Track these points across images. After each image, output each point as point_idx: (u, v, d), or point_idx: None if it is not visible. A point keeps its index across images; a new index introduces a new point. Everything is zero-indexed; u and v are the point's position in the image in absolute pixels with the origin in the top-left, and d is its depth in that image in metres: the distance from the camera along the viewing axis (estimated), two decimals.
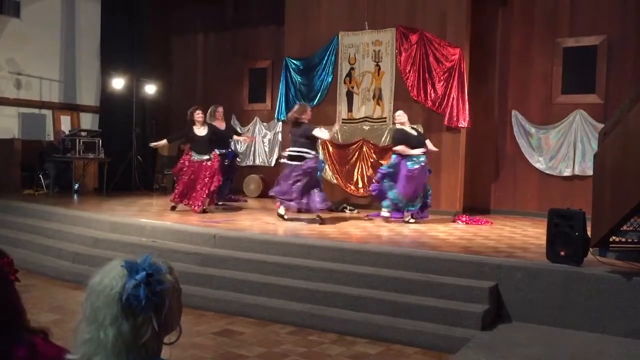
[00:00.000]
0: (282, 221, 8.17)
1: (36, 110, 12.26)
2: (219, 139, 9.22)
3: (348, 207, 9.71)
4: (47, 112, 12.46)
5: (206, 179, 8.66)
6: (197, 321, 5.55)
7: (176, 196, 8.84)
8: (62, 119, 12.63)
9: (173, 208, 8.98)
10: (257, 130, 12.39)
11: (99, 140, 11.40)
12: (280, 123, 11.34)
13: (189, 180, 8.72)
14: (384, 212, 8.33)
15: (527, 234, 7.58)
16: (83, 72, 13.03)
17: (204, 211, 8.74)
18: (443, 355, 4.78)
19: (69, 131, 11.96)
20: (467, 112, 9.18)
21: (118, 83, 11.86)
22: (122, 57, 12.12)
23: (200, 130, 8.88)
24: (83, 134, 11.45)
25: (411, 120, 8.58)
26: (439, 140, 9.40)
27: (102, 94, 12.57)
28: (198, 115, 8.88)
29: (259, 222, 8.20)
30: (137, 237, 7.49)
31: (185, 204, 8.85)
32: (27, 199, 10.29)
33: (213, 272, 6.45)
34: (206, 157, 8.75)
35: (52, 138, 12.10)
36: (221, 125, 9.66)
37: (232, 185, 10.32)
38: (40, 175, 11.47)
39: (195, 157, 8.76)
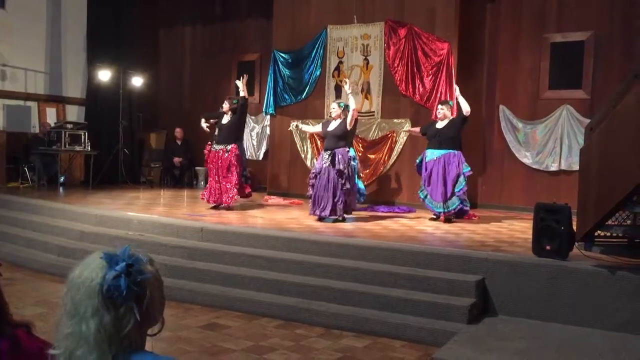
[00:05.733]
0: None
1: (21, 102, 12.12)
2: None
3: None
4: (33, 104, 12.32)
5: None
6: (183, 315, 5.53)
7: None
8: (47, 111, 12.50)
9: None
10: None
11: (85, 133, 11.30)
12: (269, 116, 11.29)
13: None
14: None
15: (514, 228, 7.61)
16: (69, 63, 12.89)
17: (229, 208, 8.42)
18: (429, 348, 4.80)
19: (55, 123, 11.84)
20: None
21: (104, 75, 11.75)
22: (109, 48, 12.02)
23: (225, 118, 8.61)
24: (69, 126, 11.35)
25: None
26: None
27: (88, 86, 12.45)
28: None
29: (246, 215, 8.17)
30: (123, 231, 7.44)
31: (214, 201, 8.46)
32: (12, 192, 10.19)
33: (200, 265, 6.43)
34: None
35: (37, 130, 11.98)
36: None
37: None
38: (25, 168, 11.36)
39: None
